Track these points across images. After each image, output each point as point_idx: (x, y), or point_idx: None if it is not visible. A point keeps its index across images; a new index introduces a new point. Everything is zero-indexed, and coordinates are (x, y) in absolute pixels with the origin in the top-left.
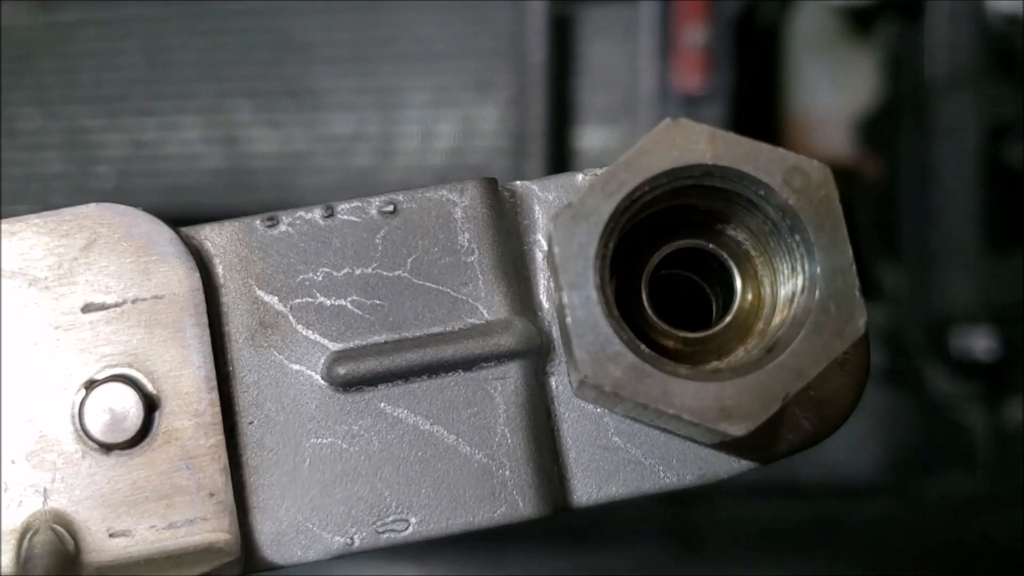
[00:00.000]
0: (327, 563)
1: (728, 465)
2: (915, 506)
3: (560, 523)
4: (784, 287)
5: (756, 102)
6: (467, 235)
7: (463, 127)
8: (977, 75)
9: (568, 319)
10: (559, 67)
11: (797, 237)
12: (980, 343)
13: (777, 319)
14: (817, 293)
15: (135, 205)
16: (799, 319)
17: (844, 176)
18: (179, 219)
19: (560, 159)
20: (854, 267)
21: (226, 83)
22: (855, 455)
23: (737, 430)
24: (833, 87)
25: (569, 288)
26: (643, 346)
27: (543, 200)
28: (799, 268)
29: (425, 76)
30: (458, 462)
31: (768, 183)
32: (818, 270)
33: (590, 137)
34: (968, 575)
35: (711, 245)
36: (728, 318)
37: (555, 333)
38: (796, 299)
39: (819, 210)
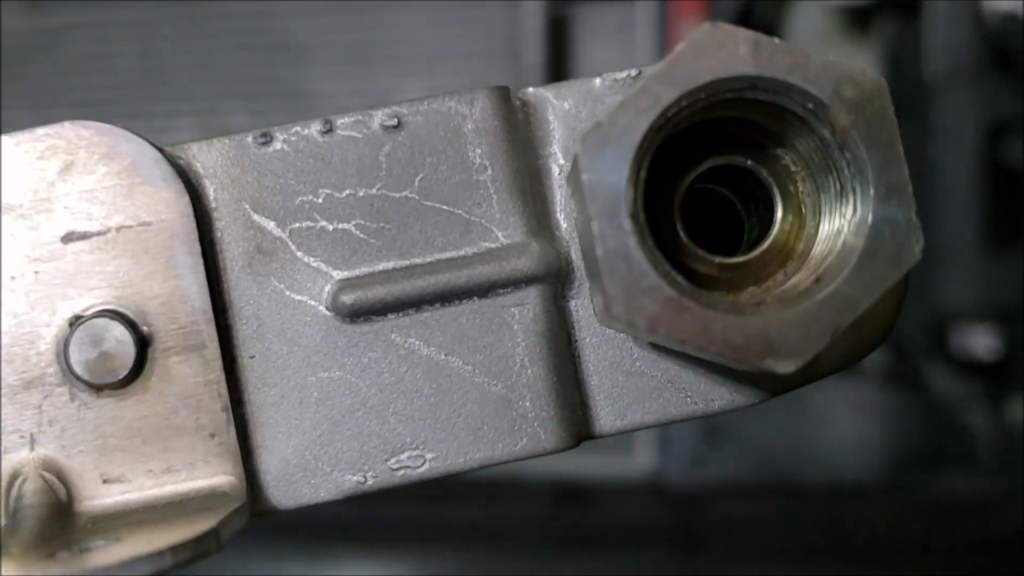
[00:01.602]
0: (326, 562)
1: (760, 390)
2: (916, 505)
3: (559, 524)
4: (830, 209)
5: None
6: (479, 150)
7: None
8: (975, 74)
9: (599, 250)
10: (556, 68)
11: (848, 155)
12: (981, 342)
13: (823, 246)
14: (871, 217)
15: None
16: (850, 246)
17: None
18: None
19: None
20: (910, 187)
21: (220, 86)
22: (856, 455)
23: (784, 367)
24: None
25: (600, 217)
26: (680, 277)
27: (558, 109)
28: (849, 189)
29: (421, 78)
30: (475, 394)
31: (817, 95)
32: (872, 192)
33: None
34: (969, 573)
35: (749, 162)
36: (767, 242)
37: (574, 254)
38: (847, 224)
39: (873, 125)
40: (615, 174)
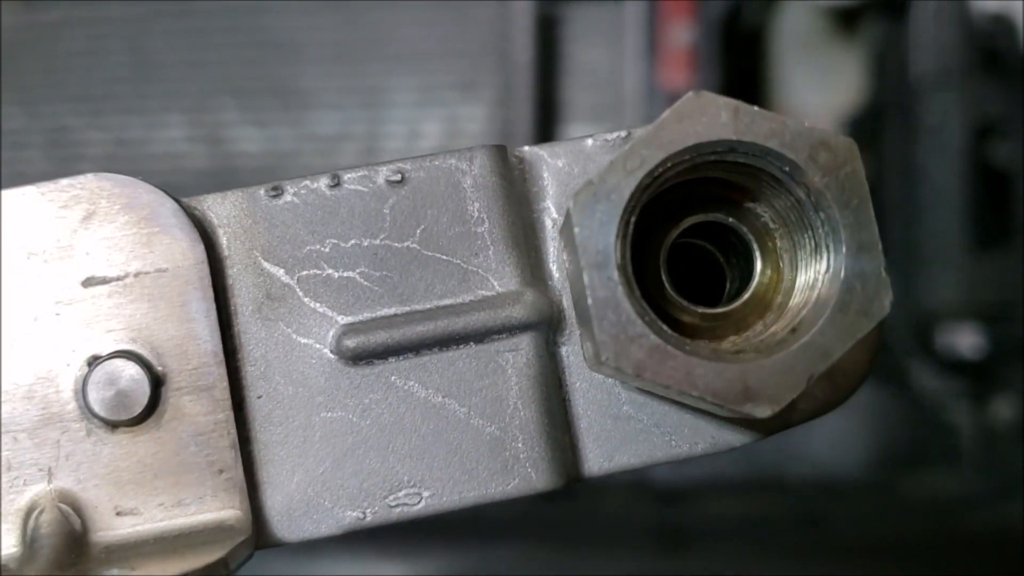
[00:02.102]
0: (313, 561)
1: (740, 434)
2: (900, 503)
3: (547, 521)
4: (806, 264)
5: (742, 101)
6: (477, 204)
7: (449, 127)
8: (962, 74)
9: (589, 300)
10: (545, 67)
11: (822, 215)
12: (965, 341)
13: (799, 298)
14: (843, 272)
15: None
16: (824, 299)
17: None
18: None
19: None
20: (880, 245)
21: (211, 82)
22: (841, 452)
23: (762, 412)
24: (819, 86)
25: (591, 268)
26: (665, 326)
27: (552, 166)
28: (823, 246)
29: (411, 76)
30: (470, 435)
31: (793, 159)
32: (844, 249)
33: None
34: (953, 572)
35: (731, 219)
36: (747, 294)
37: (566, 303)
38: (821, 278)
39: (845, 187)
40: (605, 229)
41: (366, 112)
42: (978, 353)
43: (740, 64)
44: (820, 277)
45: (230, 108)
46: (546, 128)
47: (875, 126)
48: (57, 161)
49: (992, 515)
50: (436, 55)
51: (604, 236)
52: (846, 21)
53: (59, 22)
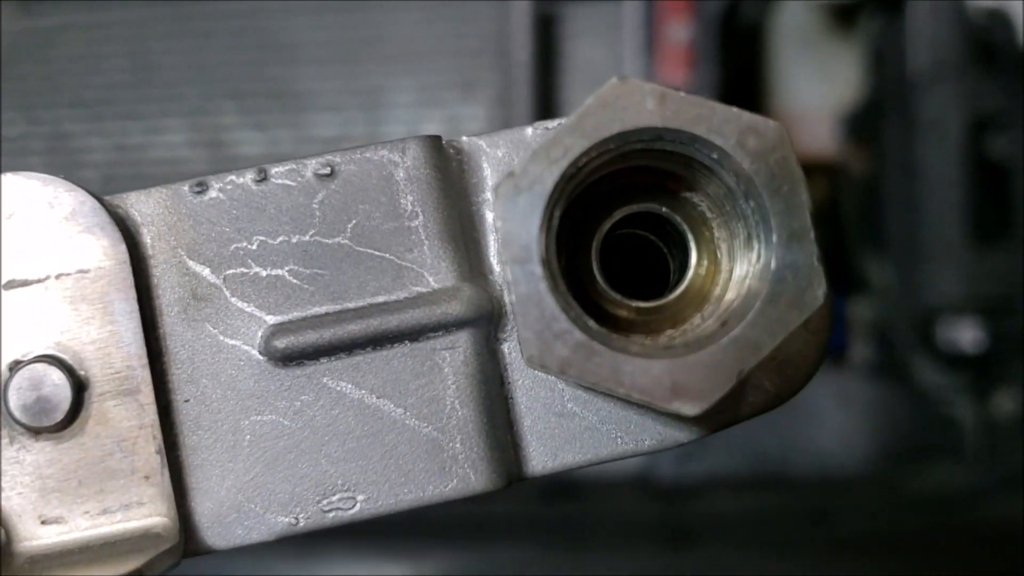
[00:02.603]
0: (314, 562)
1: (687, 429)
2: (903, 498)
3: (550, 520)
4: (741, 255)
5: (740, 98)
6: (410, 197)
7: (449, 127)
8: (959, 69)
9: (512, 295)
10: (544, 65)
11: (752, 203)
12: (966, 335)
13: (733, 291)
14: (773, 262)
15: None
16: (754, 290)
17: (829, 171)
18: None
19: None
20: (812, 233)
21: (211, 85)
22: (843, 448)
23: (689, 409)
24: (817, 82)
25: (513, 263)
26: (591, 322)
27: (492, 156)
28: (755, 235)
29: (410, 76)
30: (406, 436)
31: (721, 146)
32: (774, 238)
33: None
34: (957, 565)
35: (664, 209)
36: (682, 286)
37: (507, 297)
38: (751, 269)
39: (775, 173)
40: (527, 221)
41: (366, 113)
42: (979, 347)
43: (738, 61)
44: (751, 268)
45: (230, 111)
46: None
47: (873, 121)
48: (58, 168)
49: (995, 508)
50: (435, 55)
51: (527, 229)
52: (843, 17)
53: (58, 27)
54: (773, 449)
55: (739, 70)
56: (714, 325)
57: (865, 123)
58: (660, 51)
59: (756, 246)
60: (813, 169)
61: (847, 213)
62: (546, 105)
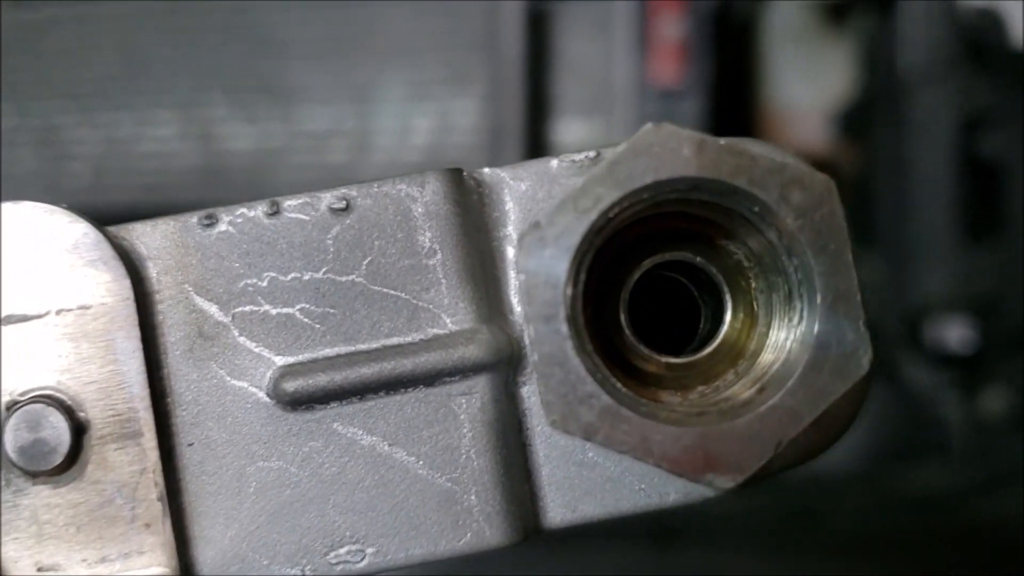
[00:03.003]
0: None
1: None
2: (891, 496)
3: None
4: (779, 313)
5: (732, 95)
6: (428, 234)
7: (440, 122)
8: (950, 68)
9: (535, 355)
10: (535, 61)
11: (795, 261)
12: (955, 333)
13: (771, 354)
14: (816, 326)
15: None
16: (795, 355)
17: (820, 168)
18: (155, 216)
19: (538, 153)
20: (859, 295)
21: (202, 79)
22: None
23: (723, 483)
24: (809, 80)
25: (537, 320)
26: (619, 385)
27: (515, 190)
28: (796, 295)
29: (401, 71)
30: (419, 487)
31: (763, 199)
32: (818, 299)
33: (567, 130)
34: (944, 564)
35: (699, 259)
36: (716, 342)
37: (530, 356)
38: (793, 332)
39: (821, 231)
40: (553, 276)
41: (357, 107)
42: (968, 346)
43: (730, 58)
44: (793, 331)
45: (221, 104)
46: (537, 122)
47: (865, 120)
48: (48, 160)
49: (983, 508)
50: (426, 50)
51: (552, 284)
52: (835, 16)
53: (48, 20)
54: None
55: (731, 67)
56: (750, 389)
57: (856, 121)
58: (652, 47)
59: (798, 305)
60: None
61: None
62: (537, 101)
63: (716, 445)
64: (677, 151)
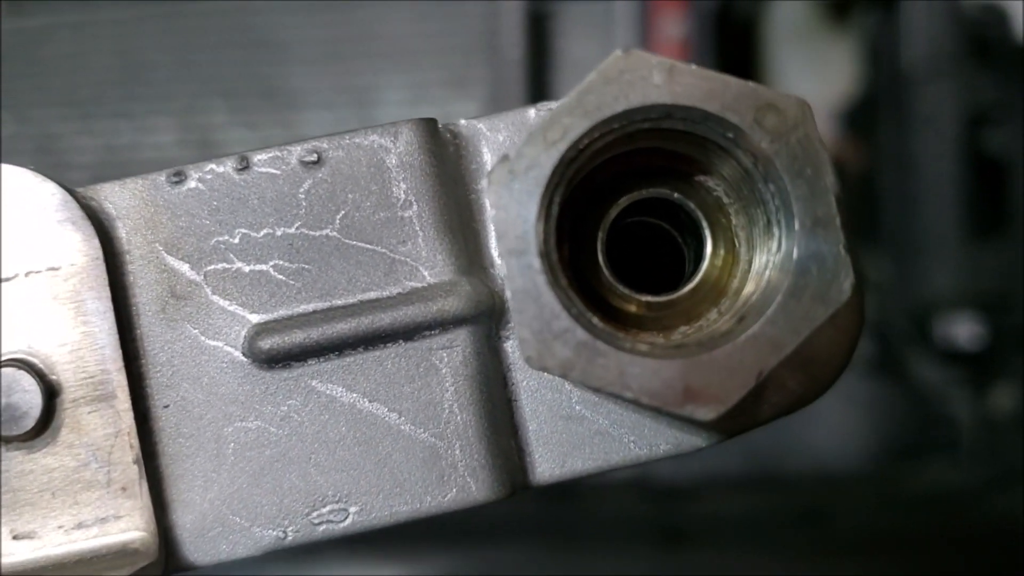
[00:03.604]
0: (308, 563)
1: (705, 434)
2: (900, 495)
3: (547, 520)
4: (760, 243)
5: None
6: (403, 186)
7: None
8: (954, 63)
9: (508, 291)
10: (536, 63)
11: (772, 187)
12: (964, 331)
13: (752, 284)
14: (795, 252)
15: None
16: (775, 283)
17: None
18: None
19: None
20: (838, 219)
21: (201, 84)
22: (840, 445)
23: (704, 414)
24: (812, 77)
25: (509, 255)
26: (595, 319)
27: (492, 141)
28: (775, 222)
29: (401, 74)
30: (401, 443)
31: (737, 124)
32: (796, 225)
33: None
34: (954, 563)
35: (676, 195)
36: (696, 279)
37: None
38: (771, 259)
39: (796, 154)
40: (524, 209)
41: (357, 111)
42: (977, 343)
43: (733, 57)
44: (771, 258)
45: (220, 110)
46: None
47: (869, 116)
48: (47, 168)
49: (992, 505)
50: (427, 52)
51: (523, 218)
52: (838, 12)
53: (47, 26)
54: (769, 447)
55: (733, 66)
56: (731, 321)
57: (861, 118)
58: (654, 48)
59: (777, 233)
60: None
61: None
62: (539, 102)
63: (696, 376)
64: (647, 78)
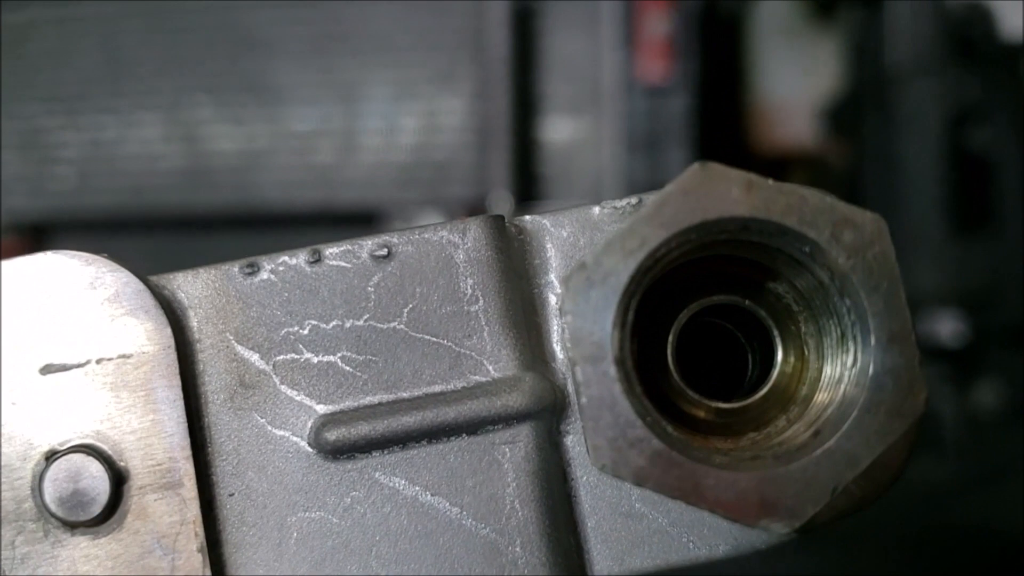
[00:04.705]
0: None
1: (764, 535)
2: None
3: None
4: (831, 355)
5: (720, 90)
6: (470, 281)
7: (427, 121)
8: (938, 61)
9: (583, 398)
10: (522, 59)
11: (848, 301)
12: (947, 327)
13: (824, 395)
14: (871, 367)
15: (97, 251)
16: (850, 397)
17: (809, 163)
18: (140, 219)
19: (525, 151)
20: (913, 335)
21: (186, 80)
22: None
23: (779, 527)
24: (797, 75)
25: (584, 362)
26: (670, 428)
27: (556, 236)
28: (850, 336)
29: (387, 70)
30: (462, 538)
31: (814, 239)
32: (872, 340)
33: (555, 128)
34: (938, 559)
35: (747, 302)
36: (767, 386)
37: (571, 387)
38: (847, 373)
39: (873, 270)
40: (601, 317)
41: (343, 107)
42: (959, 340)
43: (718, 54)
44: (847, 372)
45: (205, 106)
46: (524, 120)
47: (853, 114)
48: (32, 163)
49: (975, 502)
50: (412, 49)
51: (600, 326)
52: (823, 10)
53: (31, 22)
54: None
55: (719, 63)
56: (805, 433)
57: (845, 116)
58: (639, 44)
59: (851, 347)
60: (793, 162)
61: None
62: (524, 99)
63: (771, 490)
64: (726, 191)
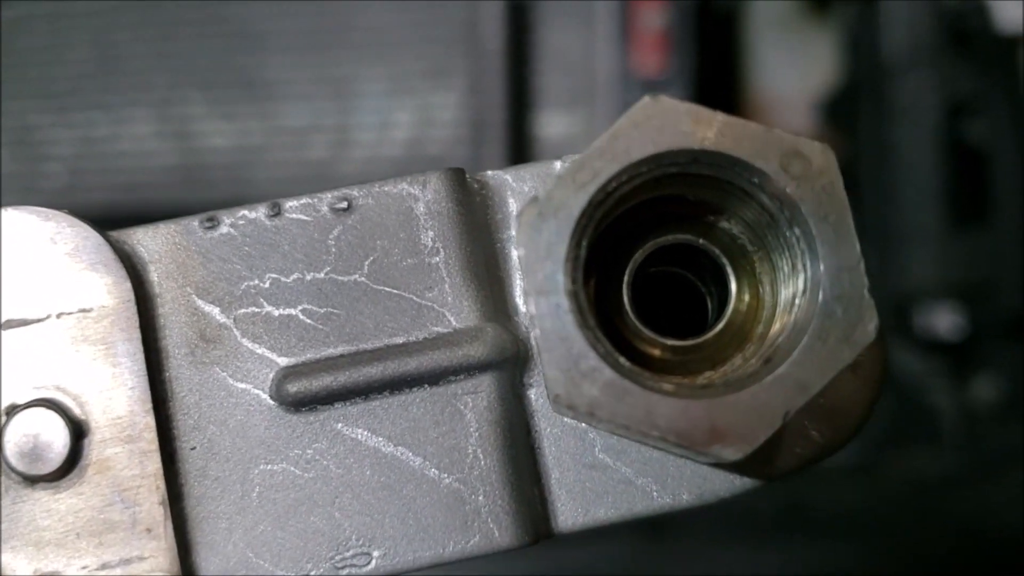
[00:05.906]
0: None
1: (729, 483)
2: (881, 485)
3: None
4: (785, 287)
5: (716, 84)
6: (431, 233)
7: (421, 116)
8: (934, 54)
9: (536, 330)
10: (517, 54)
11: (797, 231)
12: (944, 321)
13: (777, 325)
14: (820, 295)
15: (61, 207)
16: (801, 325)
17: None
18: (133, 217)
19: (520, 146)
20: (862, 264)
21: (178, 76)
22: None
23: (731, 453)
24: (793, 67)
25: (537, 295)
26: (623, 359)
27: (517, 191)
28: (800, 266)
29: (381, 65)
30: (425, 488)
31: (763, 169)
32: (821, 268)
33: (550, 123)
34: (934, 552)
35: (701, 240)
36: (722, 323)
37: (533, 340)
38: (797, 302)
39: (821, 199)
40: (553, 250)
41: (336, 103)
42: (957, 333)
43: (714, 47)
44: (798, 299)
45: (198, 102)
46: (519, 115)
47: (849, 108)
48: (23, 160)
49: (972, 496)
50: (406, 43)
51: (552, 258)
52: (819, 3)
53: (22, 17)
54: None
55: (715, 56)
56: (757, 364)
57: (841, 109)
58: (634, 37)
59: (802, 276)
60: None
61: None
62: (519, 93)
63: (723, 416)
64: (676, 124)
